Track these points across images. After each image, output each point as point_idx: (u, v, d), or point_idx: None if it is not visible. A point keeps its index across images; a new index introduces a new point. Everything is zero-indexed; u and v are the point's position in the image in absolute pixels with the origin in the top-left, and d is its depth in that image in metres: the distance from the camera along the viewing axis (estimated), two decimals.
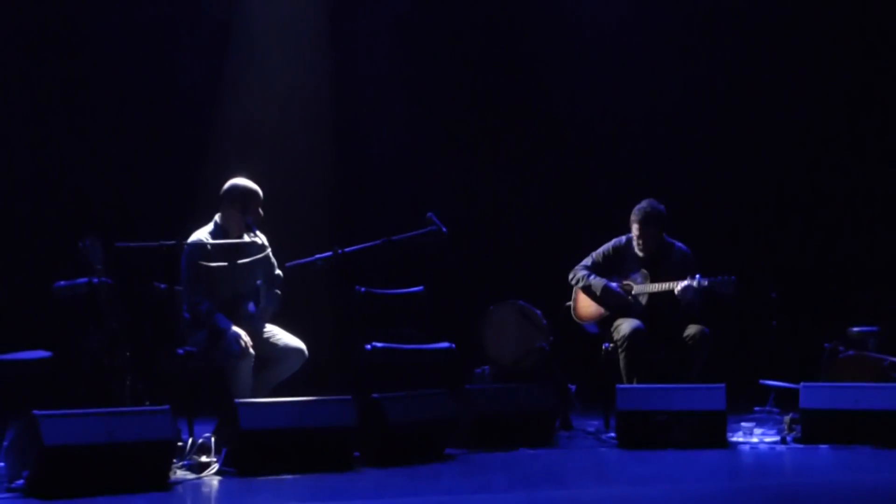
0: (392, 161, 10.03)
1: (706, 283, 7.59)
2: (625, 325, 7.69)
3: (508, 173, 10.32)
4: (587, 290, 7.96)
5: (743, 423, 7.57)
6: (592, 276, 7.94)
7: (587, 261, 8.04)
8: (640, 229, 7.81)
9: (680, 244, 7.94)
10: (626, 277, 7.89)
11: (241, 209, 6.94)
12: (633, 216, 7.84)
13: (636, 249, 7.88)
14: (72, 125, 9.21)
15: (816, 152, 10.36)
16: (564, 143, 10.40)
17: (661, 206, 7.83)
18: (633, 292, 7.84)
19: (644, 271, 7.82)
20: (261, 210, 7.00)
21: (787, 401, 7.92)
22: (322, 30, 9.99)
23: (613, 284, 7.87)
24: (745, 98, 10.44)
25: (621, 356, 7.65)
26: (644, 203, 7.82)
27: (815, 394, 7.18)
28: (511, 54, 10.48)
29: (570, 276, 8.05)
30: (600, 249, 8.04)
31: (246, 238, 6.99)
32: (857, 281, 9.76)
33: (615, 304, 7.86)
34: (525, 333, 8.30)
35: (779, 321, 8.71)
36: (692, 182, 10.09)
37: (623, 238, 7.99)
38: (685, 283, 7.61)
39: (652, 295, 7.80)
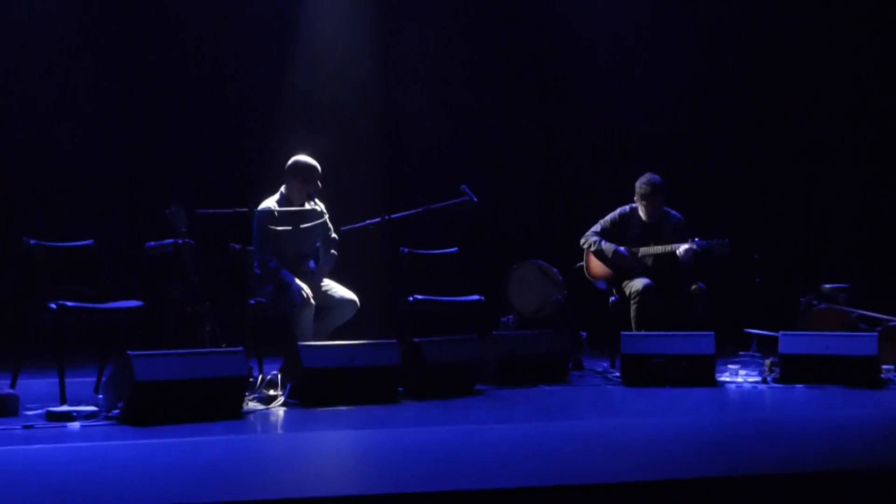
0: (431, 141, 9.94)
1: (705, 244, 7.48)
2: (637, 282, 7.55)
3: (531, 154, 10.25)
4: (599, 253, 7.81)
5: (729, 366, 7.48)
6: (603, 242, 7.79)
7: (597, 227, 7.88)
8: (650, 199, 7.65)
9: (675, 212, 7.80)
10: (629, 242, 7.77)
11: (302, 181, 6.93)
12: (642, 188, 7.67)
13: (642, 216, 7.74)
14: (161, 113, 9.24)
15: (791, 134, 10.21)
16: (574, 133, 10.30)
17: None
18: (639, 255, 7.74)
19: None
20: (319, 182, 6.98)
21: (767, 346, 7.83)
22: (373, 25, 9.90)
23: (622, 249, 7.75)
24: (732, 85, 10.28)
25: (633, 308, 7.52)
26: (648, 177, 7.66)
27: (792, 341, 7.08)
28: (534, 49, 10.34)
29: (583, 241, 7.90)
30: (608, 217, 7.88)
31: (307, 206, 6.98)
32: (829, 245, 9.65)
33: (624, 266, 7.75)
34: (544, 288, 8.21)
35: (761, 278, 8.63)
36: (689, 160, 9.98)
37: (627, 207, 7.84)
38: (686, 245, 7.50)
39: (656, 256, 7.67)
